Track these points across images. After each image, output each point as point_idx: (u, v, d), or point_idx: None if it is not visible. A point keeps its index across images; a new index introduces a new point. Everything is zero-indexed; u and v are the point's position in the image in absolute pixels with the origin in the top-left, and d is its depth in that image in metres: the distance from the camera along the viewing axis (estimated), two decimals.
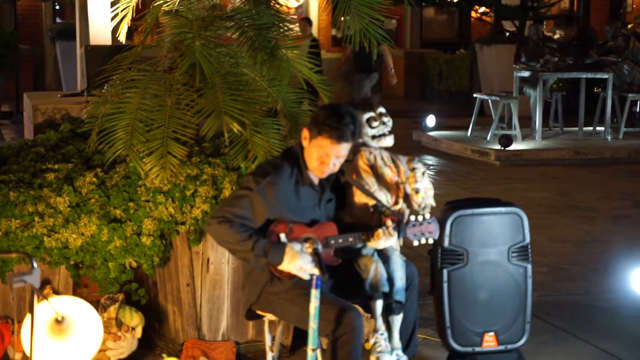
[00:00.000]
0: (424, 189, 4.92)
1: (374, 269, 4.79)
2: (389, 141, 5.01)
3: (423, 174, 4.96)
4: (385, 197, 4.93)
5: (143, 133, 5.53)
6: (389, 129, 5.01)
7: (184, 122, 5.56)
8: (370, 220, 4.84)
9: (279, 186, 4.65)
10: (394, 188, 4.96)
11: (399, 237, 4.78)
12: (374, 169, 4.97)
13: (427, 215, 4.82)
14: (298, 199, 4.74)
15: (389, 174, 4.97)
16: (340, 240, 4.73)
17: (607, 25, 16.36)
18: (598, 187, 12.00)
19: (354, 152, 5.04)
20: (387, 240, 4.74)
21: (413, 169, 4.90)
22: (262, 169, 4.76)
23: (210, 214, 5.27)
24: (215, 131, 5.53)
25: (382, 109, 5.02)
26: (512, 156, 13.86)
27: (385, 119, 5.00)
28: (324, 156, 4.66)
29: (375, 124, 4.96)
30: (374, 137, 4.97)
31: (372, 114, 4.97)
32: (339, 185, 4.98)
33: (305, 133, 4.72)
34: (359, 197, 4.90)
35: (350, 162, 5.01)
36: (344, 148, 4.66)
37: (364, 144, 4.99)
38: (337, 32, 23.27)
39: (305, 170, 4.74)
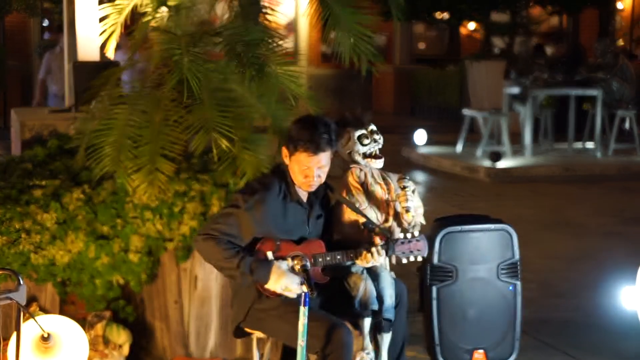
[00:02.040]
0: (414, 208, 4.91)
1: (363, 287, 4.77)
2: (379, 164, 4.99)
3: (413, 191, 4.94)
4: (375, 215, 4.92)
5: (131, 149, 5.51)
6: (379, 146, 4.99)
7: (172, 138, 5.54)
8: (360, 238, 4.83)
9: (267, 204, 4.63)
10: (384, 206, 4.95)
11: (387, 255, 4.78)
12: (364, 187, 4.95)
13: (416, 233, 4.82)
14: (286, 217, 4.72)
15: (379, 191, 4.95)
16: (329, 258, 4.72)
17: (596, 42, 16.41)
18: (588, 204, 12.01)
19: (344, 169, 5.02)
20: (375, 257, 4.73)
21: (404, 187, 4.89)
22: (251, 187, 4.75)
23: (198, 231, 5.25)
24: (204, 147, 5.51)
25: (373, 126, 5.01)
26: (502, 173, 13.87)
27: (377, 137, 4.99)
28: (305, 170, 4.66)
29: (366, 141, 4.94)
30: (365, 155, 4.95)
31: (363, 131, 4.96)
32: (328, 203, 4.97)
33: (284, 151, 4.73)
34: (349, 215, 4.89)
35: (340, 178, 4.99)
36: (323, 158, 4.66)
37: (354, 162, 4.97)
38: (326, 48, 23.29)
39: (293, 187, 4.73)
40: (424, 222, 5.02)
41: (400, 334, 4.94)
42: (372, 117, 5.10)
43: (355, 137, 4.94)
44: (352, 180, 4.96)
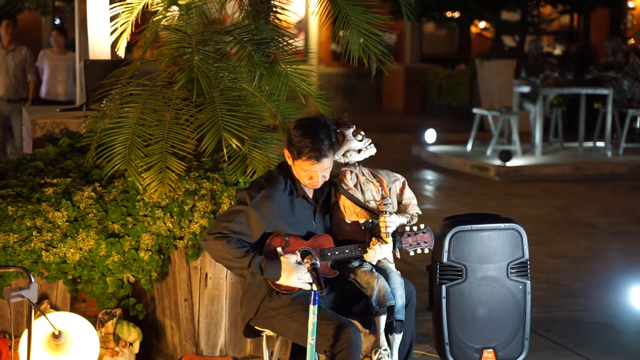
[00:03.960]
0: (412, 205, 4.95)
1: (378, 285, 4.79)
2: (372, 150, 4.98)
3: (403, 184, 4.97)
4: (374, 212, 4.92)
5: (141, 148, 5.53)
6: (370, 140, 4.98)
7: (182, 137, 5.56)
8: (361, 238, 4.85)
9: (273, 199, 4.66)
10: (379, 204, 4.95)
11: (394, 247, 4.79)
12: (357, 187, 4.96)
13: (422, 225, 4.84)
14: (293, 211, 4.75)
15: (373, 190, 4.96)
16: (337, 253, 4.75)
17: (607, 41, 16.38)
18: (598, 203, 11.99)
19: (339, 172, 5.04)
20: (382, 248, 4.74)
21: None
22: (257, 183, 4.79)
23: (207, 230, 5.27)
24: (214, 146, 5.53)
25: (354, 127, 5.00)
26: (512, 172, 13.86)
27: (363, 132, 4.98)
28: (310, 174, 4.71)
29: (360, 136, 4.94)
30: (360, 150, 4.94)
31: (353, 127, 4.95)
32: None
33: (286, 153, 4.76)
34: (350, 217, 4.90)
35: (337, 177, 5.00)
36: (327, 163, 4.71)
37: (347, 163, 4.96)
38: (336, 46, 23.30)
39: (299, 182, 4.76)
40: (420, 212, 5.03)
41: (408, 334, 4.95)
42: (382, 115, 5.08)
43: (350, 134, 4.94)
44: (345, 182, 4.97)
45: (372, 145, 4.97)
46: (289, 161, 4.76)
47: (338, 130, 4.89)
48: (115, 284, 5.49)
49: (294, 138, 4.70)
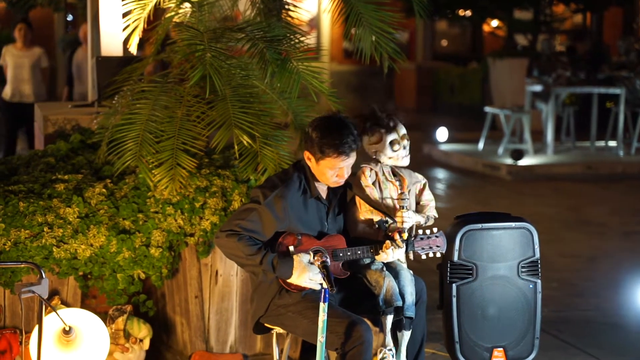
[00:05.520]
0: (430, 204, 4.95)
1: (387, 284, 4.78)
2: (404, 162, 4.98)
3: (424, 185, 4.96)
4: (389, 213, 4.92)
5: (153, 144, 5.54)
6: (406, 153, 4.97)
7: (194, 134, 5.57)
8: (375, 237, 4.84)
9: (287, 199, 4.65)
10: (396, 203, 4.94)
11: (407, 250, 4.79)
12: (376, 185, 4.95)
13: (435, 229, 4.84)
14: (306, 211, 4.75)
15: (392, 189, 4.95)
16: (349, 253, 4.75)
17: (620, 40, 16.33)
18: (609, 203, 11.96)
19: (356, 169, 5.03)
20: (395, 252, 4.75)
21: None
22: (271, 182, 4.77)
23: (219, 226, 5.28)
24: (225, 143, 5.52)
25: (404, 130, 4.97)
26: (524, 170, 13.84)
27: (406, 142, 4.95)
28: (338, 171, 4.69)
29: (396, 147, 4.92)
30: (390, 157, 4.93)
31: (396, 136, 4.93)
32: (347, 199, 4.99)
33: (307, 154, 4.73)
34: (364, 214, 4.89)
35: (354, 176, 5.00)
36: (354, 156, 4.72)
37: (374, 159, 4.96)
38: (348, 44, 23.29)
39: (313, 182, 4.75)
40: (436, 215, 5.04)
41: (419, 331, 4.95)
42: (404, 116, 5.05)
43: (388, 142, 4.92)
44: (364, 180, 4.97)
45: (405, 158, 4.95)
46: (310, 163, 4.74)
47: (379, 130, 4.89)
48: (126, 281, 5.50)
49: (315, 138, 4.67)
